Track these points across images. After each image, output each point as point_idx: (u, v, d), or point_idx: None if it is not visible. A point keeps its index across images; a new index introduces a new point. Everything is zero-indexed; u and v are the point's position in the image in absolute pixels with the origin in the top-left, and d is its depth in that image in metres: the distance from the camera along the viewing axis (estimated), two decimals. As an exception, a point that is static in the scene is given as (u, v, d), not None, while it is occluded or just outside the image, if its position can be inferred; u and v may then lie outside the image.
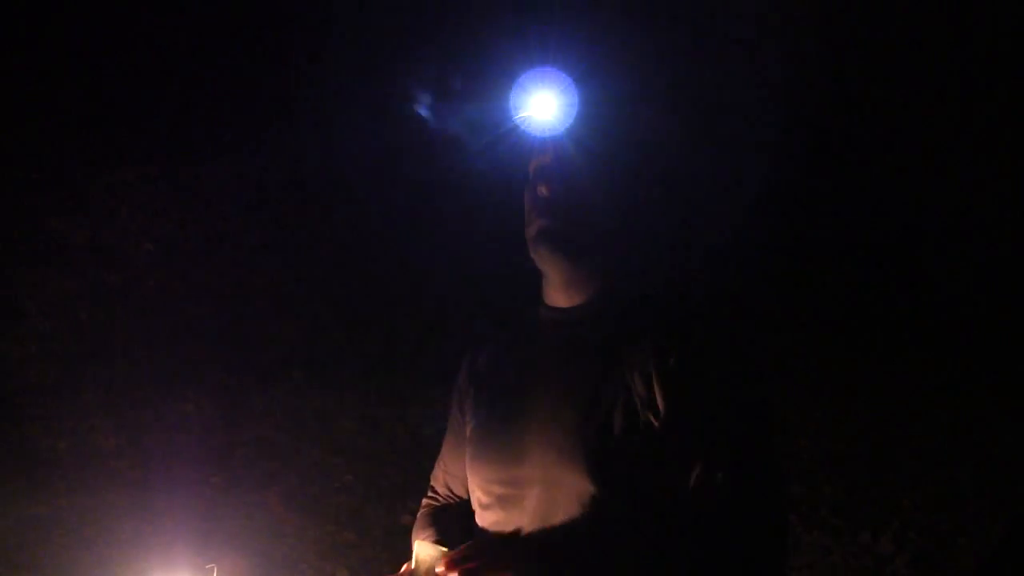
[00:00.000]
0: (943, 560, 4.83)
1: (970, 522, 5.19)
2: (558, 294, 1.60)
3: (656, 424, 1.42)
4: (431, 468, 1.87)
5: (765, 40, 8.49)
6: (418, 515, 1.79)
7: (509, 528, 1.55)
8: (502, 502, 1.57)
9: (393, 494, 5.44)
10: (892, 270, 9.02)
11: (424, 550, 1.50)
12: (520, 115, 1.56)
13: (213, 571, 1.51)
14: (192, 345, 7.26)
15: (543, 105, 1.54)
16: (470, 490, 1.67)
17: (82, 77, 7.40)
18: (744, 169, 8.11)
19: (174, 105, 7.71)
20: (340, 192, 8.14)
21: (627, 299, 1.56)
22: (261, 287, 7.86)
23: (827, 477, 5.78)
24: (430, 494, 1.82)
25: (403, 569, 1.54)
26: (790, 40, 8.46)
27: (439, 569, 1.44)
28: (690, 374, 1.43)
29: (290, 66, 8.03)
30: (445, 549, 1.50)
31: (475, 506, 1.65)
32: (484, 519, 1.61)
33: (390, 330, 7.98)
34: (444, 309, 7.84)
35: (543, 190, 1.54)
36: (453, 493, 1.78)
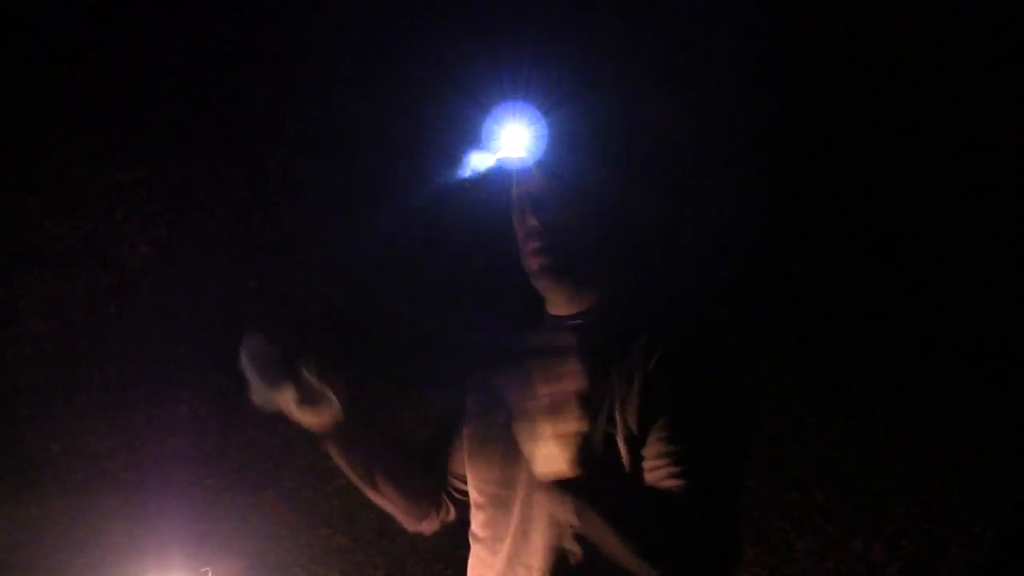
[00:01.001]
0: (936, 568, 4.83)
1: (963, 529, 5.19)
2: (559, 307, 1.62)
3: (633, 428, 1.44)
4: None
5: (758, 41, 8.51)
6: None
7: (497, 527, 1.57)
8: (493, 501, 1.60)
9: (386, 498, 5.43)
10: (885, 274, 9.03)
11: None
12: (495, 153, 1.58)
13: (208, 574, 1.51)
14: (186, 347, 7.26)
15: (516, 139, 1.56)
16: (468, 490, 1.69)
17: (77, 79, 7.41)
18: (738, 173, 8.13)
19: (169, 108, 7.71)
20: (334, 195, 8.14)
21: (625, 304, 1.57)
22: (255, 290, 7.85)
23: (820, 484, 5.78)
24: None
25: None
26: (779, 40, 8.49)
27: None
28: (665, 377, 1.44)
29: (283, 69, 8.04)
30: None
31: (472, 506, 1.67)
32: (476, 518, 1.64)
33: (384, 334, 7.98)
34: (438, 313, 7.85)
35: (532, 221, 1.55)
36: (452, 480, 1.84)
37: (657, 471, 1.41)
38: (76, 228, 7.36)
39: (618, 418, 1.45)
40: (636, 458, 1.44)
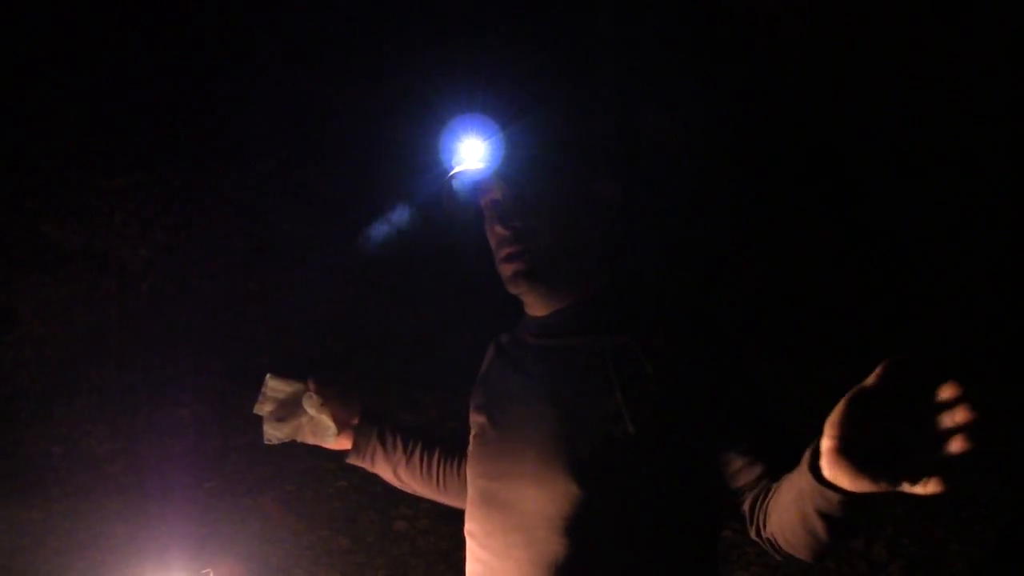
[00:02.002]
0: (937, 567, 4.84)
1: (964, 529, 5.20)
2: (536, 309, 1.64)
3: (632, 429, 1.44)
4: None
5: (746, 43, 8.53)
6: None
7: (489, 522, 1.58)
8: (486, 496, 1.61)
9: (386, 500, 5.44)
10: (887, 274, 9.04)
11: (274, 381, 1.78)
12: (455, 166, 1.61)
13: (208, 576, 1.52)
14: (186, 350, 7.27)
15: (473, 151, 1.58)
16: (468, 487, 1.71)
17: (78, 84, 7.41)
18: (729, 170, 8.14)
19: (167, 111, 7.72)
20: (334, 199, 8.15)
21: (601, 301, 1.58)
22: (255, 293, 7.86)
23: (820, 483, 5.78)
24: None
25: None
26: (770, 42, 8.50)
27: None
28: (665, 379, 1.45)
29: (282, 74, 8.04)
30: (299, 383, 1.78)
31: (467, 502, 1.68)
32: (470, 514, 1.64)
33: (384, 337, 7.99)
34: (437, 316, 7.86)
35: (500, 229, 1.58)
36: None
37: (741, 472, 1.43)
38: (75, 232, 7.36)
39: (617, 419, 1.45)
40: (640, 458, 1.44)
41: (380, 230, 8.04)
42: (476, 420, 1.71)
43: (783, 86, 8.71)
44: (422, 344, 7.65)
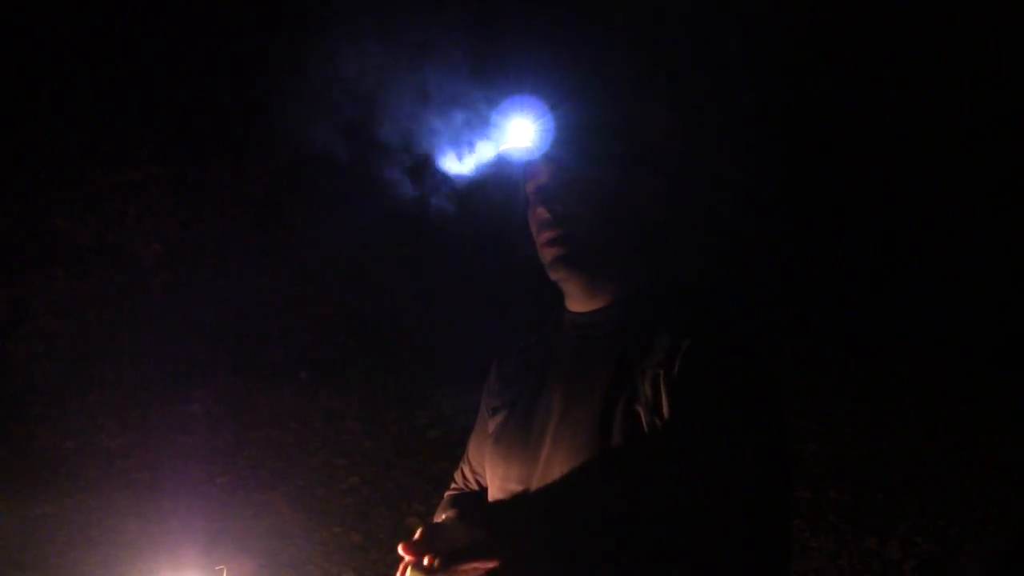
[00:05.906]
0: (950, 566, 4.82)
1: (977, 528, 5.18)
2: (577, 302, 1.62)
3: (660, 428, 1.42)
4: (437, 471, 1.93)
5: (767, 41, 8.50)
6: (441, 503, 1.80)
7: (519, 524, 1.56)
8: (511, 497, 1.59)
9: (399, 496, 5.44)
10: (900, 276, 9.02)
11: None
12: (503, 145, 1.59)
13: (223, 573, 1.50)
14: (199, 346, 7.28)
15: (523, 132, 1.57)
16: (488, 485, 1.69)
17: (89, 78, 7.42)
18: (751, 174, 8.11)
19: (181, 106, 7.72)
20: (347, 194, 8.14)
21: (642, 300, 1.57)
22: (268, 288, 7.87)
23: (834, 482, 5.77)
24: (452, 485, 1.85)
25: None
26: (792, 41, 8.47)
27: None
28: (694, 380, 1.43)
29: (296, 69, 8.04)
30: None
31: (489, 501, 1.67)
32: (498, 515, 1.63)
33: (396, 332, 7.99)
34: (450, 312, 7.85)
35: (543, 212, 1.56)
36: (469, 484, 1.81)
37: (685, 474, 1.40)
38: (89, 227, 7.38)
39: (646, 418, 1.43)
40: (658, 457, 1.42)
41: (391, 224, 8.03)
42: (498, 420, 1.69)
43: (794, 85, 8.69)
44: (435, 339, 7.65)
